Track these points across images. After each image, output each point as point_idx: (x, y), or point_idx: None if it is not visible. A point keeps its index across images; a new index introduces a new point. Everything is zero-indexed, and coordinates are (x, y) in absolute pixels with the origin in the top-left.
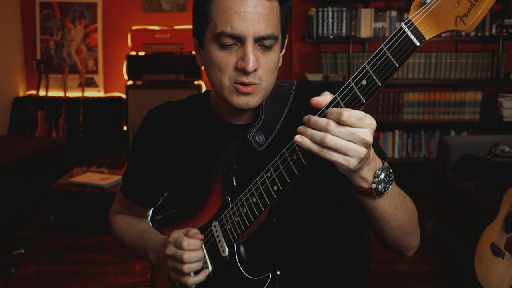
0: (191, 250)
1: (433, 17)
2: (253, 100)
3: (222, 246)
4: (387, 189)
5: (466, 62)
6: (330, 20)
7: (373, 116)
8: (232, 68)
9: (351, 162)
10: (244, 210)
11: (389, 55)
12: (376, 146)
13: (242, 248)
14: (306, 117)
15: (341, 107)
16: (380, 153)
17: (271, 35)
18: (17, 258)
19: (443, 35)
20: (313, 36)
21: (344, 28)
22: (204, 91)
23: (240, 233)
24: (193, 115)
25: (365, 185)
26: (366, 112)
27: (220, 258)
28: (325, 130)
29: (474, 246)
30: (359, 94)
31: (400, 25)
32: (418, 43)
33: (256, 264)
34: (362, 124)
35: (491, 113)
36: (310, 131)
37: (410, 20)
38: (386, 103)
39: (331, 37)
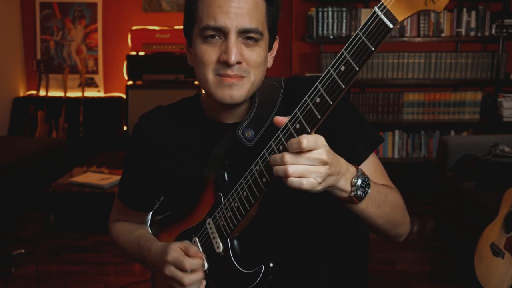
0: (193, 270)
1: None
2: (237, 93)
3: (216, 243)
4: (366, 193)
5: (466, 62)
6: (330, 20)
7: (373, 116)
8: (215, 62)
9: (314, 183)
10: (236, 205)
11: (365, 39)
12: (368, 133)
13: (235, 243)
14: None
15: (322, 94)
16: (374, 139)
17: (255, 29)
18: (17, 258)
19: (442, 35)
20: (313, 36)
21: (344, 28)
22: (195, 94)
23: (233, 228)
24: (185, 117)
25: (345, 195)
26: (366, 112)
27: (215, 254)
28: (283, 163)
29: (474, 246)
30: (338, 80)
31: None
32: (391, 25)
33: (250, 257)
34: (317, 146)
35: (491, 113)
36: (274, 169)
37: (382, 4)
38: (386, 103)
39: (331, 37)
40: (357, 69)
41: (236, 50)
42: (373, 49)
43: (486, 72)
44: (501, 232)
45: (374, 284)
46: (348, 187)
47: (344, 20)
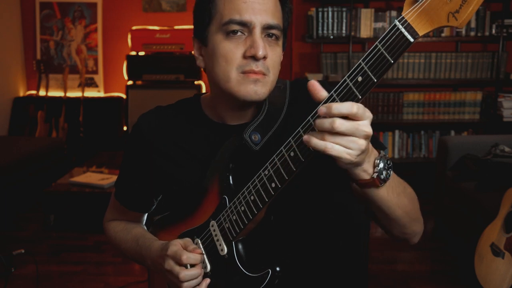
0: (190, 265)
1: (425, 14)
2: (261, 90)
3: (220, 245)
4: (389, 175)
5: (466, 62)
6: (330, 20)
7: (373, 116)
8: (240, 57)
9: (353, 155)
10: (242, 208)
11: (384, 51)
12: (373, 137)
13: (240, 246)
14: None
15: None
16: (379, 144)
17: (277, 25)
18: (17, 258)
19: (443, 35)
20: (313, 36)
21: (344, 28)
22: (194, 95)
23: (238, 231)
24: (185, 117)
25: (367, 176)
26: None
27: (219, 257)
28: (331, 128)
29: (474, 246)
30: (355, 90)
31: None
32: (411, 39)
33: (255, 261)
34: (365, 116)
35: (491, 113)
36: (318, 123)
37: (403, 17)
38: (386, 103)
39: (331, 37)
40: (375, 80)
41: (263, 44)
42: (392, 61)
43: (486, 72)
44: (501, 232)
45: (374, 284)
46: (370, 169)
47: (344, 20)
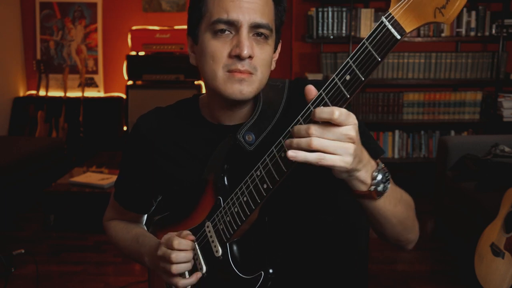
0: (181, 250)
1: (412, 10)
2: (247, 89)
3: (215, 246)
4: (386, 188)
5: (466, 62)
6: (330, 20)
7: (373, 116)
8: (226, 57)
9: (348, 161)
10: (236, 210)
11: (371, 49)
12: (373, 142)
13: (235, 248)
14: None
15: (326, 102)
16: (377, 150)
17: (266, 25)
18: (17, 258)
19: (442, 35)
20: (313, 36)
21: (344, 28)
22: (192, 96)
23: (232, 232)
24: (183, 118)
25: (364, 188)
26: (366, 112)
27: (214, 258)
28: (307, 135)
29: (474, 246)
30: (343, 89)
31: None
32: (398, 36)
33: (249, 263)
34: (348, 122)
35: (491, 113)
36: (295, 140)
37: (390, 14)
38: (386, 103)
39: (331, 37)
40: (363, 79)
41: (248, 43)
42: (379, 59)
43: (486, 72)
44: (501, 232)
45: (374, 284)
46: (368, 180)
47: (344, 20)
